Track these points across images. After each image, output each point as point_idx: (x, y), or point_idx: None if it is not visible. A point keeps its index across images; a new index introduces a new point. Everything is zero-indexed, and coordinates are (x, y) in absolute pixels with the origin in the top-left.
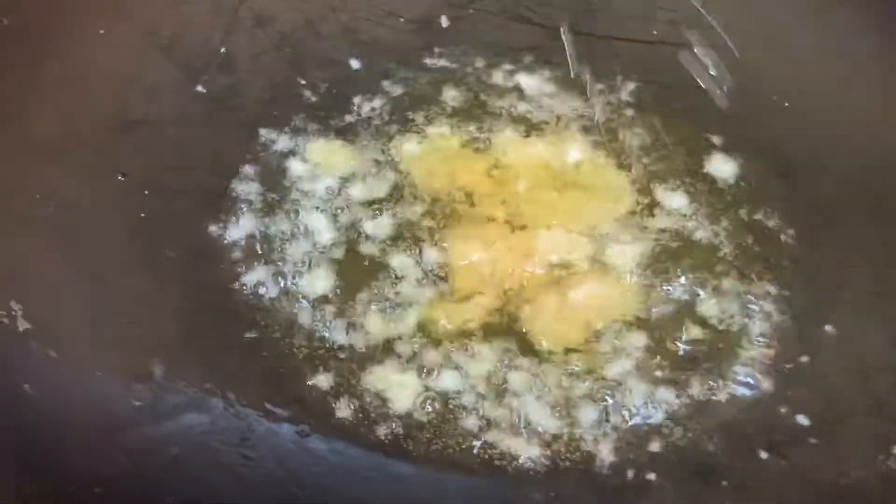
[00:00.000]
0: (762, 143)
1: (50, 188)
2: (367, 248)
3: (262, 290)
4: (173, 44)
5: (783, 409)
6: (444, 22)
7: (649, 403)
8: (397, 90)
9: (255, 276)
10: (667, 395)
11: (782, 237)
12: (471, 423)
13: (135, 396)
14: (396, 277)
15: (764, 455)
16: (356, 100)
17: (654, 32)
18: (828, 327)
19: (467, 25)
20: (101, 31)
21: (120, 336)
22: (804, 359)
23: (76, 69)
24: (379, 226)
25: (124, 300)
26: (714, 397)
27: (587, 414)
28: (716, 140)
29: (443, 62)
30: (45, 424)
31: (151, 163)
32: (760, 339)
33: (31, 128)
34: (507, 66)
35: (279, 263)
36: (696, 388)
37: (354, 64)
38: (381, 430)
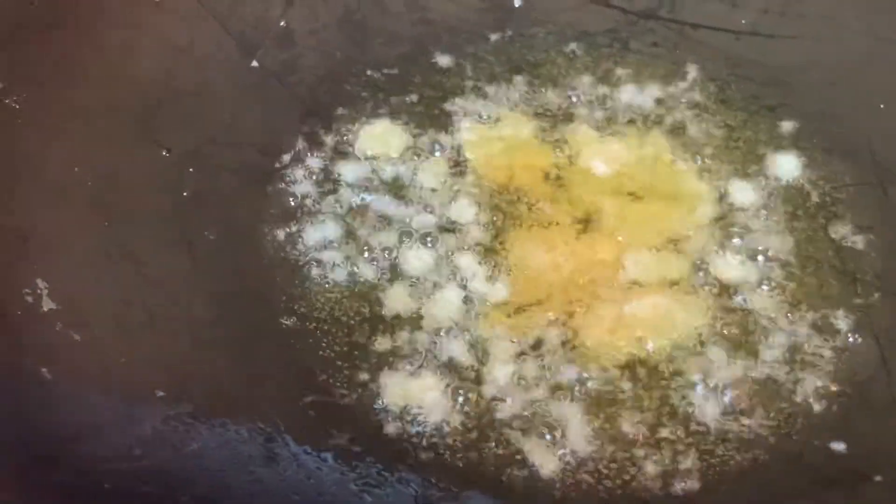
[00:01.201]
0: (853, 147)
1: (89, 160)
2: (416, 244)
3: (301, 279)
4: (230, 13)
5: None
6: (517, 2)
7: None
8: (464, 72)
9: (296, 264)
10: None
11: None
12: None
13: (159, 386)
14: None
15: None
16: (419, 80)
17: (743, 21)
18: None
19: (541, 6)
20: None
21: (149, 321)
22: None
23: (126, 36)
24: (430, 220)
25: (157, 282)
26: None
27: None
28: (801, 142)
29: (515, 45)
30: (60, 412)
31: (197, 138)
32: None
33: (75, 96)
34: (581, 53)
35: (323, 253)
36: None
37: (421, 42)
38: (423, 453)
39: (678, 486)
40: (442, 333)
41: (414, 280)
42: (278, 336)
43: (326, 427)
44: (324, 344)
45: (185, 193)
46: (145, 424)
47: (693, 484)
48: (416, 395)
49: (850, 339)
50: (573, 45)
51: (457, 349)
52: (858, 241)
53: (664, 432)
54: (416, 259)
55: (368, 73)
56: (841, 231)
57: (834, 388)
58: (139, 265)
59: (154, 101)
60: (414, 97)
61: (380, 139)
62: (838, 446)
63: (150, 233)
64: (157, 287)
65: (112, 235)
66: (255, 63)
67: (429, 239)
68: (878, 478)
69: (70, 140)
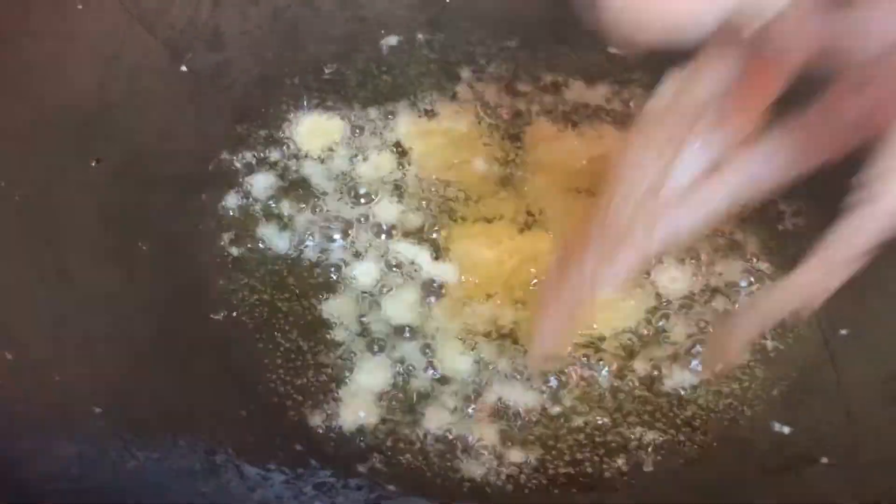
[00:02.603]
0: None
1: (17, 175)
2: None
3: (239, 288)
4: (157, 19)
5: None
6: None
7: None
8: (403, 69)
9: (234, 272)
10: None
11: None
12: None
13: (97, 402)
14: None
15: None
16: (355, 80)
17: None
18: None
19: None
20: (79, 6)
21: (84, 337)
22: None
23: (50, 46)
24: (376, 215)
25: (92, 297)
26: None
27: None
28: None
29: (449, 41)
30: None
31: (128, 148)
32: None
33: (1, 110)
34: (513, 46)
35: (262, 260)
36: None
37: (354, 40)
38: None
39: (627, 475)
40: (388, 334)
41: (358, 282)
42: (217, 347)
43: (270, 437)
44: (265, 353)
45: (118, 205)
46: (84, 442)
47: (644, 469)
48: (362, 398)
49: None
50: (512, 41)
51: (407, 350)
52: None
53: (614, 422)
54: (361, 261)
55: (300, 73)
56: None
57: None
58: (73, 281)
59: (83, 112)
60: (349, 97)
61: (318, 136)
62: (784, 430)
63: (84, 247)
64: (91, 302)
65: (44, 251)
66: (184, 68)
67: (372, 239)
68: (823, 460)
69: None
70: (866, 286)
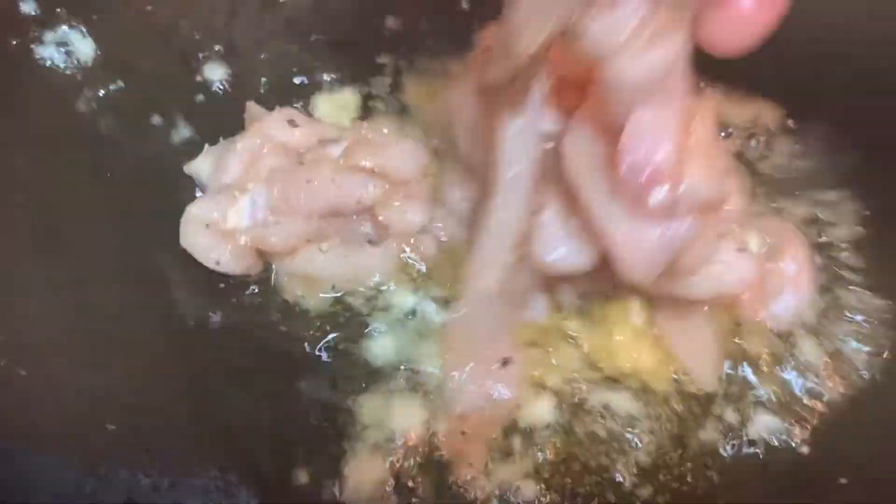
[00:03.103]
0: None
1: (32, 190)
2: None
3: (251, 297)
4: (171, 30)
5: None
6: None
7: None
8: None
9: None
10: None
11: None
12: None
13: (111, 420)
14: None
15: None
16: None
17: None
18: None
19: None
20: (94, 17)
21: (98, 353)
22: None
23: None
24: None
25: (106, 313)
26: None
27: None
28: None
29: None
30: (14, 459)
31: (143, 160)
32: None
33: (17, 121)
34: None
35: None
36: None
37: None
38: None
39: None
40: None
41: None
42: (231, 366)
43: (287, 455)
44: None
45: (134, 219)
46: (98, 460)
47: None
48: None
49: None
50: None
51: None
52: None
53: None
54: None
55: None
56: None
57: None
58: (87, 296)
59: (98, 125)
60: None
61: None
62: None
63: (99, 262)
64: (105, 318)
65: (59, 266)
66: (199, 78)
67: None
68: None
69: (11, 171)
70: None
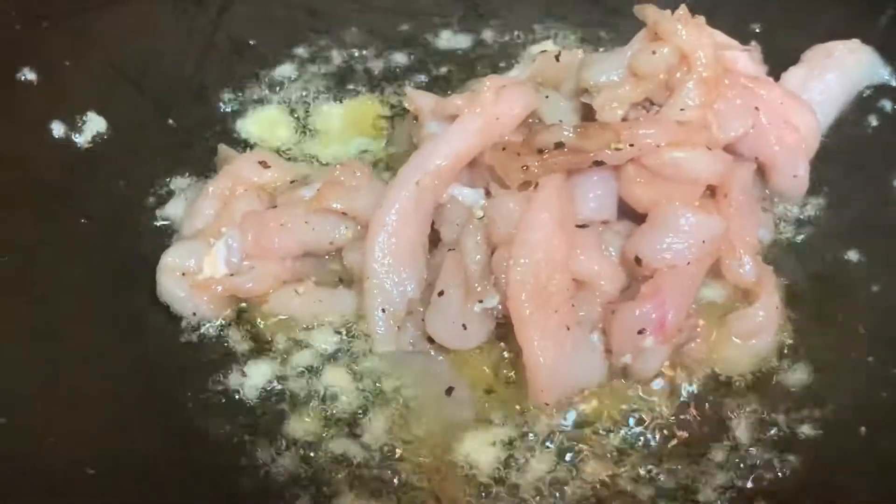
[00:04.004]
0: None
1: (5, 235)
2: None
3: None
4: (143, 75)
5: None
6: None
7: None
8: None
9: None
10: None
11: None
12: None
13: (90, 464)
14: None
15: None
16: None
17: None
18: None
19: None
20: (67, 63)
21: (76, 397)
22: None
23: (37, 104)
24: None
25: (82, 357)
26: None
27: None
28: None
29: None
30: None
31: (117, 204)
32: None
33: None
34: None
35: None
36: None
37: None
38: None
39: None
40: None
41: None
42: (204, 409)
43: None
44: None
45: (108, 263)
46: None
47: None
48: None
49: None
50: None
51: None
52: None
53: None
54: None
55: None
56: None
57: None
58: (63, 340)
59: (71, 171)
60: None
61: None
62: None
63: (74, 306)
64: (82, 362)
65: (34, 311)
66: (171, 122)
67: None
68: None
69: None
70: None
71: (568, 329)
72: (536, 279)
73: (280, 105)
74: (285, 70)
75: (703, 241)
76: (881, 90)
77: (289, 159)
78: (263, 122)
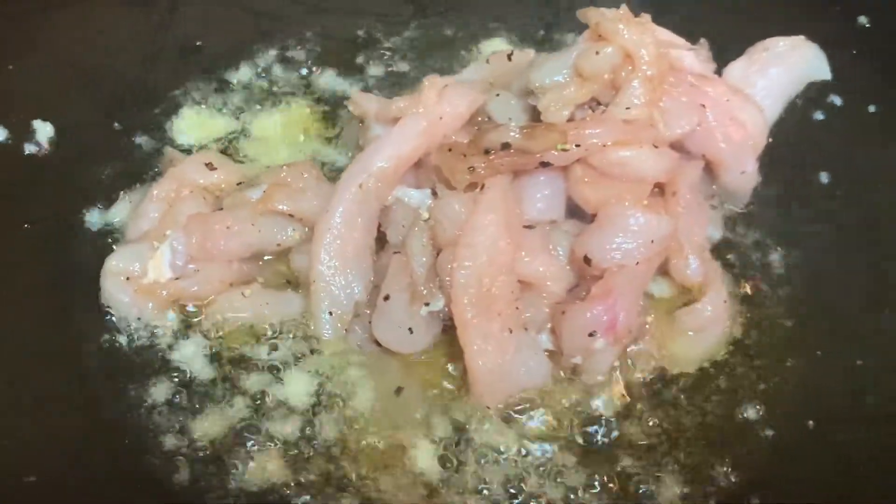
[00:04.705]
0: None
1: None
2: None
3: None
4: (90, 78)
5: None
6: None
7: None
8: None
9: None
10: None
11: None
12: None
13: (32, 471)
14: None
15: None
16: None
17: None
18: None
19: None
20: (10, 67)
21: (16, 403)
22: None
23: None
24: None
25: (21, 363)
26: None
27: None
28: None
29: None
30: None
31: (61, 209)
32: None
33: None
34: None
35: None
36: None
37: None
38: None
39: None
40: None
41: None
42: (147, 413)
43: None
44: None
45: (51, 267)
46: None
47: None
48: None
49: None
50: None
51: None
52: None
53: None
54: None
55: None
56: None
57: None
58: (2, 346)
59: (15, 174)
60: None
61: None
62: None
63: (14, 311)
64: (21, 368)
65: None
66: (117, 125)
67: None
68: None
69: None
70: None
71: (511, 331)
72: (480, 282)
73: (231, 107)
74: (234, 72)
75: (652, 241)
76: (828, 85)
77: (236, 161)
78: (209, 125)
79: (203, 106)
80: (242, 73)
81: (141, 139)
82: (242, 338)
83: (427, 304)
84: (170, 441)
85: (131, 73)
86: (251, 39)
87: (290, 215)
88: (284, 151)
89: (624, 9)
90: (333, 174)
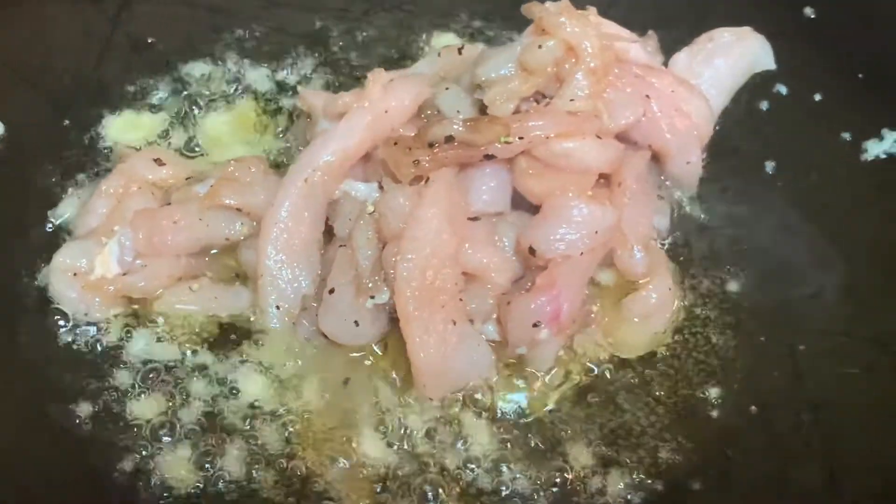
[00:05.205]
0: None
1: None
2: None
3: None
4: (40, 75)
5: None
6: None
7: None
8: None
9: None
10: None
11: None
12: None
13: None
14: None
15: None
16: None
17: None
18: None
19: None
20: None
21: None
22: None
23: None
24: None
25: None
26: None
27: None
28: None
29: None
30: None
31: (11, 208)
32: None
33: None
34: None
35: None
36: None
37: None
38: None
39: None
40: None
41: None
42: (94, 412)
43: None
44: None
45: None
46: None
47: None
48: None
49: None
50: None
51: None
52: None
53: None
54: None
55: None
56: None
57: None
58: None
59: None
60: None
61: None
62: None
63: None
64: None
65: None
66: (66, 122)
67: None
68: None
69: None
70: None
71: (455, 323)
72: (423, 275)
73: (181, 102)
74: (187, 68)
75: (596, 232)
76: (774, 75)
77: (185, 157)
78: (158, 120)
79: (153, 101)
80: (193, 69)
81: (91, 135)
82: (191, 332)
83: (373, 297)
84: (117, 436)
85: (82, 69)
86: (203, 35)
87: (238, 209)
88: (233, 147)
89: (566, 2)
90: (282, 170)
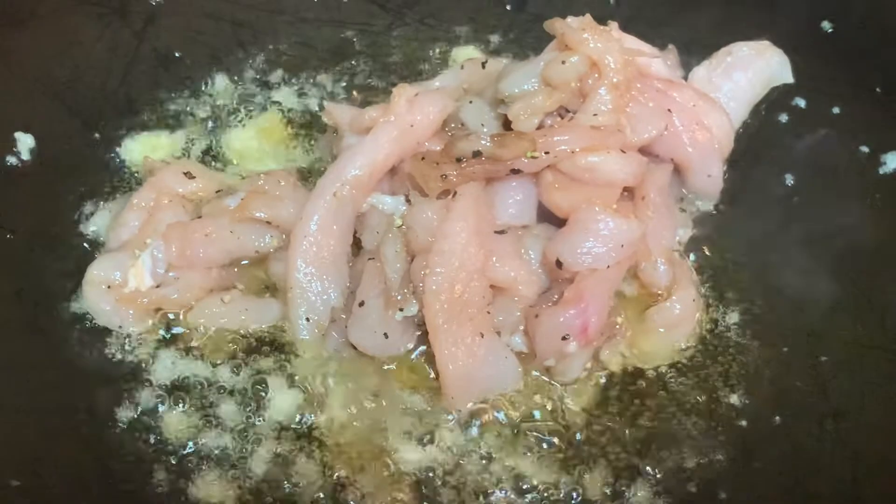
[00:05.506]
0: None
1: None
2: None
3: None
4: (69, 90)
5: None
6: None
7: None
8: None
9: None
10: None
11: None
12: None
13: (14, 475)
14: None
15: None
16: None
17: None
18: None
19: None
20: None
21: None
22: None
23: None
24: None
25: (5, 369)
26: None
27: None
28: None
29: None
30: None
31: (41, 218)
32: None
33: None
34: None
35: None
36: None
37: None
38: None
39: None
40: None
41: None
42: (127, 421)
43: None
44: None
45: (33, 276)
46: None
47: None
48: None
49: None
50: None
51: None
52: None
53: None
54: None
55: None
56: None
57: None
58: None
59: None
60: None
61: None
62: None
63: (4, 319)
64: (5, 375)
65: None
66: (97, 135)
67: None
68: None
69: None
70: None
71: (483, 336)
72: (451, 288)
73: (209, 116)
74: (213, 82)
75: (623, 245)
76: (793, 88)
77: (214, 170)
78: (188, 134)
79: (180, 115)
80: (220, 83)
81: (120, 149)
82: (223, 343)
83: (401, 310)
84: (151, 447)
85: (109, 83)
86: (228, 49)
87: (268, 222)
88: (262, 160)
89: (588, 18)
90: (310, 183)
